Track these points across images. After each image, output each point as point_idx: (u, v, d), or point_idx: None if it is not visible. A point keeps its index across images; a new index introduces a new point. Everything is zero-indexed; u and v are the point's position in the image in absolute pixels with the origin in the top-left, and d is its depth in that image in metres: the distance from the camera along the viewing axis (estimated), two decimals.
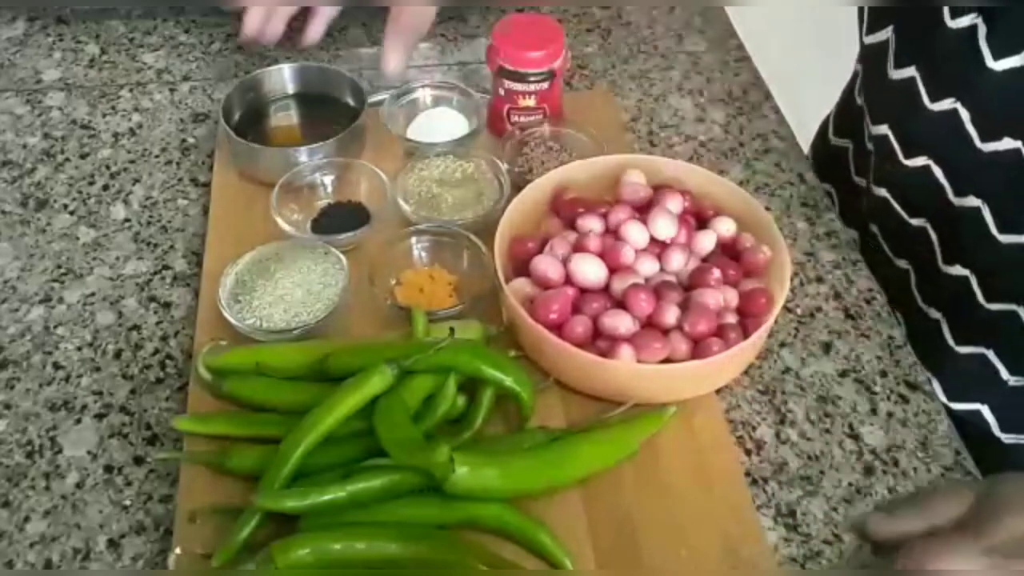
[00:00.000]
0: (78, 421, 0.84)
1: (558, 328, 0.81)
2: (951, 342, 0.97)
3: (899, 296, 1.00)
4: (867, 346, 0.92)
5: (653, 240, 0.87)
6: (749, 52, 1.26)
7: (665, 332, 0.82)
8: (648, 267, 0.86)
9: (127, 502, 0.79)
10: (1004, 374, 0.94)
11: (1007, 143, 0.85)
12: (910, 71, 0.92)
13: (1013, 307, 0.91)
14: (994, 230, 0.89)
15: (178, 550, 0.72)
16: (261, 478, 0.73)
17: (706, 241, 0.89)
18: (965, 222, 0.91)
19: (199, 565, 0.71)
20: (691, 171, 0.95)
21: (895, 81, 0.94)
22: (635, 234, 0.87)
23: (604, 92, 1.18)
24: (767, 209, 0.90)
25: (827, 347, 0.91)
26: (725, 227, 0.90)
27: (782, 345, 0.91)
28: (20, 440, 0.82)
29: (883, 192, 1.00)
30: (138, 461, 0.81)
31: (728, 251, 0.90)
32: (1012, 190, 0.86)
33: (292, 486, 0.73)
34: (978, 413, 0.97)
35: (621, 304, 0.83)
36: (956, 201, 0.91)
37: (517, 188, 0.94)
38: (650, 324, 0.83)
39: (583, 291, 0.85)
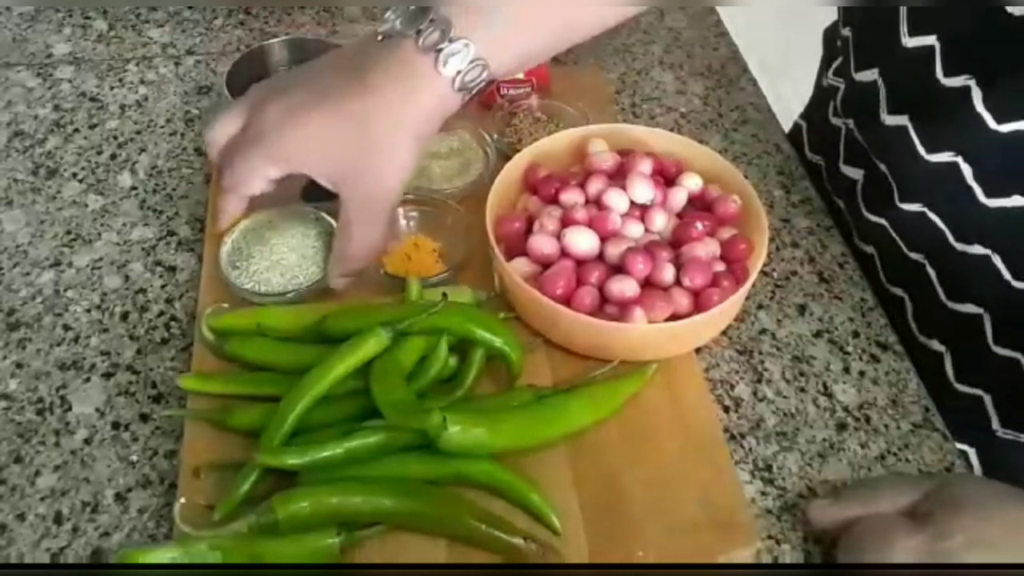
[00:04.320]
0: (87, 380, 0.81)
1: (566, 301, 0.79)
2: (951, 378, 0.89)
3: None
4: (840, 308, 0.89)
5: (632, 203, 0.85)
6: (727, 28, 1.23)
7: (665, 290, 0.80)
8: (634, 230, 0.84)
9: (133, 457, 0.76)
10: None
11: (1016, 200, 0.76)
12: (903, 119, 0.82)
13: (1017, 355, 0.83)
14: (1007, 276, 0.80)
15: (183, 500, 0.70)
16: (261, 435, 0.71)
17: (678, 197, 0.87)
18: (971, 265, 0.82)
19: (202, 516, 0.69)
20: (651, 133, 0.93)
21: (889, 127, 0.84)
22: (617, 200, 0.84)
23: (589, 66, 1.15)
24: (745, 177, 0.87)
25: (802, 309, 0.89)
26: (693, 182, 0.88)
27: (759, 307, 0.89)
28: (31, 398, 0.80)
29: (882, 221, 0.90)
30: (144, 418, 0.79)
31: (697, 204, 0.88)
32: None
33: (291, 443, 0.71)
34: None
35: (619, 269, 0.81)
36: (959, 247, 0.82)
37: (506, 157, 0.91)
38: (649, 284, 0.80)
39: (579, 262, 0.82)
